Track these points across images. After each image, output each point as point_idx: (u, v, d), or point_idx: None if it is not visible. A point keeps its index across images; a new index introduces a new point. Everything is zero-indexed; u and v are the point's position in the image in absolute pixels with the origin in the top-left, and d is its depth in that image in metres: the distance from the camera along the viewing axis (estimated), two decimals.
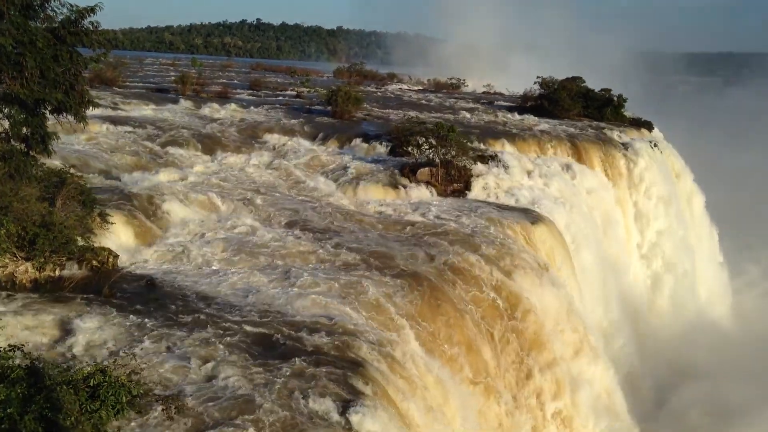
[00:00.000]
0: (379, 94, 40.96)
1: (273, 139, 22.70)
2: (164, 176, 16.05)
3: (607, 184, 25.52)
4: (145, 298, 9.69)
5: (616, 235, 24.12)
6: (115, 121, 21.60)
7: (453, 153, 19.82)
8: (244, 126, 23.79)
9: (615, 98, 33.77)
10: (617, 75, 52.87)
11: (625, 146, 28.33)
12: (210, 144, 20.71)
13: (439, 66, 64.87)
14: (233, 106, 27.68)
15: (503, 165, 21.14)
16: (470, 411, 10.74)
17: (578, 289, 17.62)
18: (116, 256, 10.67)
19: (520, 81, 40.96)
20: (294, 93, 36.71)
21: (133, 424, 6.74)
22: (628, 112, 34.54)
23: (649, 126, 33.63)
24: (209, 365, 7.99)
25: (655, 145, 29.84)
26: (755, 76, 74.09)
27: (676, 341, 25.64)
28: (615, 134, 29.73)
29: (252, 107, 28.11)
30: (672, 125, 40.80)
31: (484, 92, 47.13)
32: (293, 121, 25.41)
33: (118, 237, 11.91)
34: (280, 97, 34.26)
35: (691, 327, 27.21)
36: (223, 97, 30.77)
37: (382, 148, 22.41)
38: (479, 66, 60.69)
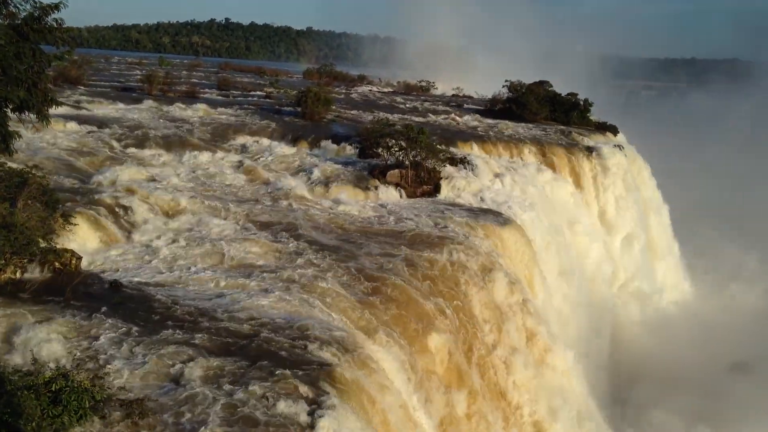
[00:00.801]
0: (349, 95, 40.93)
1: (242, 139, 22.51)
2: (129, 176, 15.80)
3: (573, 186, 25.95)
4: (109, 300, 9.53)
5: (582, 236, 24.51)
6: (79, 120, 21.19)
7: (422, 155, 19.92)
8: (212, 126, 23.54)
9: (581, 102, 34.33)
10: (582, 80, 53.84)
11: (590, 150, 28.83)
12: (177, 144, 20.45)
13: (409, 68, 65.27)
14: (201, 106, 27.38)
15: (472, 167, 21.34)
16: (436, 406, 10.81)
17: (545, 288, 17.86)
18: (79, 258, 10.47)
19: (487, 83, 41.46)
20: (263, 93, 36.46)
21: (96, 429, 6.62)
22: (594, 116, 35.15)
23: (614, 130, 34.27)
24: (174, 368, 7.89)
25: (620, 149, 30.44)
26: (715, 81, 76.15)
27: (639, 333, 26.38)
28: (581, 138, 30.23)
29: (220, 107, 27.84)
30: (634, 129, 41.70)
31: (453, 95, 47.48)
32: (262, 121, 25.24)
33: (81, 238, 11.69)
34: (249, 98, 33.99)
35: (651, 319, 28.00)
36: (190, 97, 30.41)
37: (351, 150, 22.40)
38: (447, 67, 61.19)
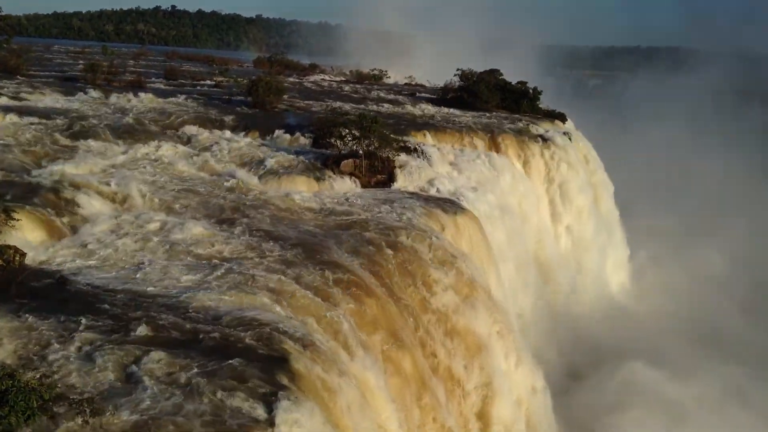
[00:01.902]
0: (301, 84, 40.55)
1: (191, 130, 22.03)
2: (74, 169, 15.30)
3: (524, 172, 26.41)
4: (57, 297, 9.23)
5: (533, 222, 25.03)
6: (19, 111, 20.38)
7: (376, 144, 19.91)
8: (160, 116, 22.98)
9: (531, 91, 34.88)
10: (531, 68, 54.73)
11: (540, 137, 29.36)
12: (123, 135, 19.87)
13: (360, 56, 64.98)
14: (148, 95, 26.68)
15: (426, 156, 21.46)
16: (398, 395, 10.89)
17: (497, 274, 18.15)
18: (23, 254, 10.10)
19: (435, 71, 41.73)
20: (213, 83, 35.77)
21: (45, 429, 6.42)
22: (543, 104, 35.79)
23: (562, 117, 34.97)
24: (127, 366, 7.71)
25: (568, 136, 31.08)
26: (658, 69, 78.48)
27: (588, 319, 27.28)
28: (531, 126, 30.73)
29: (168, 97, 27.20)
30: (582, 117, 42.76)
31: (405, 84, 47.59)
32: (212, 111, 24.78)
33: (24, 234, 11.26)
34: (198, 87, 33.32)
35: (600, 305, 28.96)
36: (136, 87, 29.59)
37: (305, 140, 22.21)
38: (396, 55, 61.32)
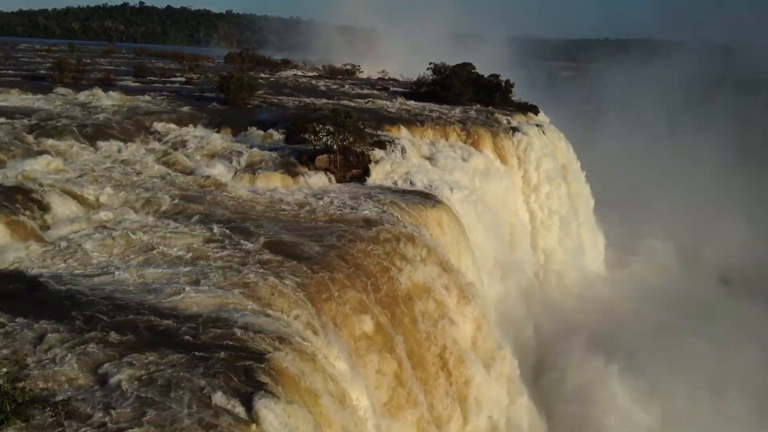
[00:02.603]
0: (273, 80, 40.24)
1: (162, 127, 21.73)
2: (44, 169, 15.02)
3: (499, 165, 26.55)
4: (27, 298, 9.04)
5: (508, 213, 25.22)
6: None
7: (351, 139, 19.84)
8: (130, 114, 22.62)
9: (503, 84, 35.03)
10: (503, 61, 55.06)
11: (514, 130, 29.53)
12: (92, 134, 19.51)
13: (332, 51, 64.71)
14: (117, 93, 26.25)
15: (400, 150, 21.46)
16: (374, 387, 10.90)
17: (474, 266, 18.25)
18: None
19: (408, 65, 41.74)
20: (183, 80, 35.34)
21: None
22: (516, 97, 36.00)
23: (535, 110, 35.22)
24: (102, 367, 7.57)
25: (541, 128, 31.33)
26: (629, 61, 79.41)
27: (564, 307, 27.73)
28: (504, 118, 30.88)
29: (138, 95, 26.79)
30: (555, 109, 43.17)
31: (379, 78, 47.49)
32: (183, 108, 24.46)
33: None
34: (169, 84, 32.89)
35: (576, 292, 29.49)
36: (105, 85, 29.12)
37: (278, 136, 22.05)
38: (369, 49, 61.19)
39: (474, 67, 35.61)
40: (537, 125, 31.58)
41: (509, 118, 31.38)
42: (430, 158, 22.40)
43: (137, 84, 31.87)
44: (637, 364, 23.09)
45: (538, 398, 19.34)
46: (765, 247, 41.97)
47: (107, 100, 25.10)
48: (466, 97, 34.00)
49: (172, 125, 22.05)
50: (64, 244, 11.46)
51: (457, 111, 30.81)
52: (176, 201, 14.48)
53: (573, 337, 24.36)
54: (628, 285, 33.04)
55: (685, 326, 26.64)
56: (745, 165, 52.40)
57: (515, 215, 26.24)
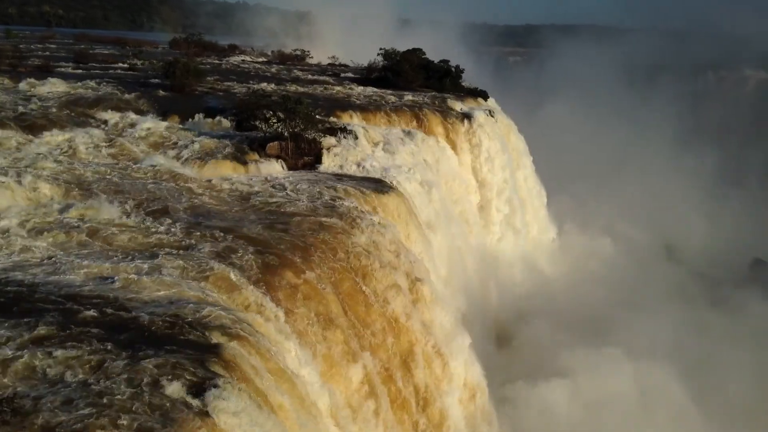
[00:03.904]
0: (220, 66, 39.43)
1: (105, 115, 21.04)
2: None
3: (449, 150, 26.78)
4: None
5: (460, 198, 25.52)
6: None
7: (302, 126, 19.65)
8: (72, 102, 21.83)
9: (453, 69, 35.25)
10: (450, 47, 55.35)
11: (464, 115, 29.80)
12: (32, 123, 18.74)
13: (281, 36, 63.83)
14: (57, 80, 25.24)
15: (352, 137, 21.37)
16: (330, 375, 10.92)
17: (427, 249, 18.41)
18: None
19: (357, 51, 41.52)
20: (126, 66, 34.22)
21: None
22: (465, 82, 36.29)
23: (484, 95, 35.61)
24: (47, 362, 7.36)
25: (490, 113, 31.71)
26: (575, 46, 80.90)
27: (516, 289, 28.45)
28: (455, 104, 31.11)
29: (79, 82, 25.80)
30: (503, 94, 43.80)
31: (329, 64, 47.06)
32: (128, 96, 23.73)
33: None
34: (111, 71, 31.81)
35: (526, 276, 30.19)
36: (44, 72, 27.98)
37: (227, 123, 21.66)
38: (316, 36, 60.62)
39: (424, 53, 35.69)
40: (487, 110, 31.94)
41: (460, 103, 31.63)
42: (382, 144, 22.39)
43: (78, 71, 30.71)
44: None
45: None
46: (704, 223, 43.76)
47: (47, 87, 24.13)
48: (417, 82, 34.09)
49: (117, 113, 21.37)
50: (5, 237, 11.02)
51: (409, 97, 30.86)
52: (122, 191, 14.09)
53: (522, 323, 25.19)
54: (576, 269, 34.00)
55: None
56: (686, 146, 54.31)
57: (466, 199, 26.57)
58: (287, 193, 15.75)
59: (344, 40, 59.35)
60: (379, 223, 15.45)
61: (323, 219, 14.12)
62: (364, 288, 13.48)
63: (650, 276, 34.09)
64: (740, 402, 22.82)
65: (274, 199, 15.16)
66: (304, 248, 12.47)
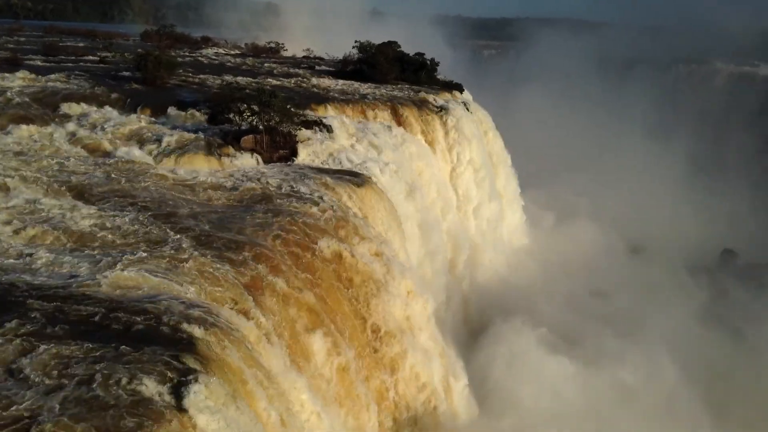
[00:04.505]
0: (194, 58, 38.93)
1: (75, 108, 20.64)
2: None
3: (426, 143, 26.82)
4: None
5: (437, 190, 25.59)
6: None
7: (277, 119, 19.47)
8: (40, 95, 21.38)
9: (428, 62, 35.24)
10: (425, 39, 55.42)
11: (440, 108, 29.82)
12: (1, 117, 18.36)
13: (254, 28, 63.28)
14: (25, 73, 24.68)
15: (328, 129, 21.27)
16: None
17: (403, 243, 18.44)
18: None
19: (331, 43, 41.33)
20: (97, 58, 33.60)
21: None
22: (440, 75, 36.31)
23: (459, 88, 35.63)
24: (16, 360, 7.21)
25: (466, 106, 31.78)
26: (549, 40, 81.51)
27: (489, 279, 28.71)
28: (430, 97, 31.11)
29: (48, 75, 25.27)
30: (478, 86, 43.98)
31: (304, 57, 46.72)
32: (98, 89, 23.31)
33: None
34: (81, 63, 31.20)
35: (501, 268, 30.47)
36: (13, 65, 27.32)
37: (201, 116, 21.39)
38: (289, 28, 60.23)
39: (399, 46, 35.62)
40: (462, 103, 32.00)
41: (435, 96, 31.64)
42: (358, 137, 22.31)
43: (48, 64, 30.07)
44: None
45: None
46: (666, 214, 44.49)
47: (15, 80, 23.58)
48: (392, 75, 34.01)
49: (88, 106, 20.99)
50: None
51: (384, 89, 30.79)
52: (94, 185, 13.86)
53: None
54: (551, 260, 34.38)
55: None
56: (658, 138, 55.09)
57: (443, 191, 26.64)
58: (261, 187, 15.62)
59: (315, 32, 59.04)
60: (355, 215, 15.41)
61: (297, 211, 14.03)
62: (339, 285, 13.44)
63: (623, 267, 34.58)
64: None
65: (248, 193, 15.03)
66: (274, 241, 12.39)
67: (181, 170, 16.52)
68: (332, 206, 15.05)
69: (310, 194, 15.43)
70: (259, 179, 16.26)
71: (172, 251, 10.78)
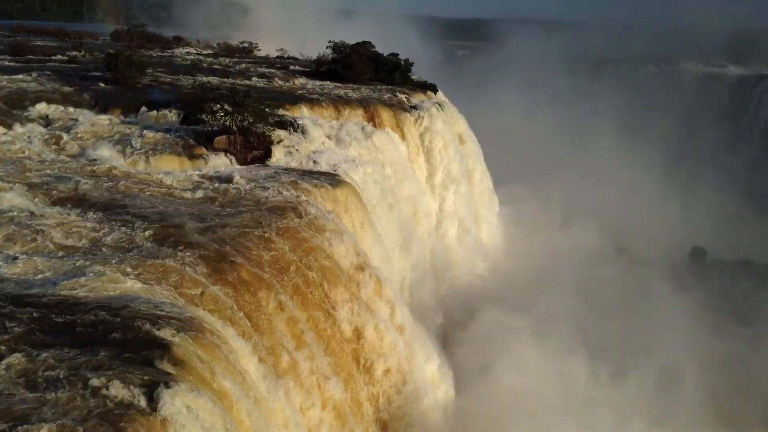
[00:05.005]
0: (165, 58, 38.47)
1: (45, 109, 20.29)
2: None
3: (400, 143, 26.85)
4: None
5: (412, 191, 25.64)
6: None
7: (251, 119, 19.32)
8: (8, 95, 20.98)
9: (402, 62, 35.29)
10: (401, 40, 55.53)
11: (414, 108, 29.89)
12: None
13: (227, 28, 62.84)
14: None
15: (302, 130, 21.17)
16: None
17: (379, 243, 18.44)
18: None
19: (304, 43, 41.22)
20: (66, 58, 33.04)
21: None
22: (415, 75, 36.40)
23: (434, 88, 35.78)
24: None
25: (440, 106, 31.90)
26: (522, 40, 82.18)
27: (465, 280, 28.95)
28: (405, 97, 31.16)
29: (16, 74, 24.79)
30: (452, 86, 44.20)
31: (277, 56, 46.46)
32: (68, 89, 22.92)
33: None
34: (50, 63, 30.65)
35: (475, 265, 30.71)
36: None
37: (173, 116, 21.14)
38: (264, 27, 59.92)
39: (373, 46, 35.61)
40: (436, 103, 32.10)
41: (410, 96, 31.70)
42: (332, 138, 22.26)
43: (16, 63, 29.48)
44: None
45: None
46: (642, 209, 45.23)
47: None
48: (367, 75, 33.98)
49: (57, 107, 20.66)
50: None
51: (359, 90, 30.76)
52: (65, 186, 13.61)
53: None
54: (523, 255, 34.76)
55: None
56: (629, 138, 55.87)
57: (417, 191, 26.70)
58: (235, 188, 15.48)
59: (287, 31, 58.77)
60: (328, 215, 15.36)
61: (271, 212, 13.94)
62: (305, 282, 13.39)
63: (595, 265, 35.01)
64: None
65: (221, 194, 14.89)
66: (247, 243, 12.29)
67: (152, 170, 16.31)
68: (306, 207, 14.98)
69: (283, 195, 15.34)
70: (232, 180, 16.09)
71: (146, 253, 10.64)
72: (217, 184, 15.67)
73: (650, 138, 56.75)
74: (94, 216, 12.12)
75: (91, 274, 9.52)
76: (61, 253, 10.39)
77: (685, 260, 41.93)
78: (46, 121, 19.42)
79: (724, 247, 42.10)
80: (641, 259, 38.70)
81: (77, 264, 9.93)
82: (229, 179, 16.16)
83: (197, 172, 16.86)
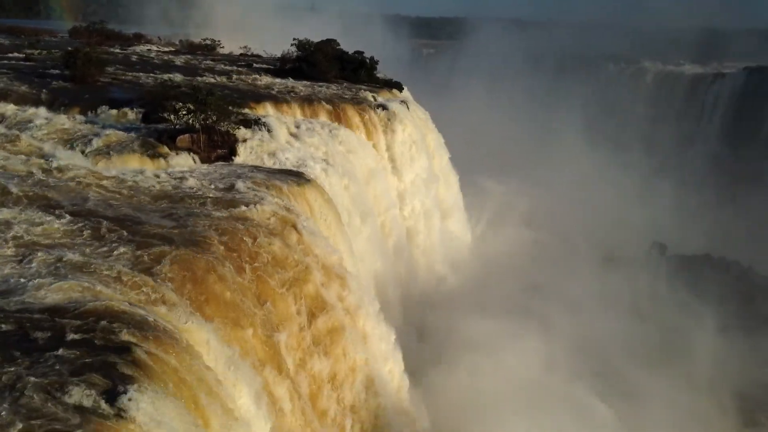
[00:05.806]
0: (125, 56, 37.75)
1: (0, 108, 19.73)
2: None
3: (366, 142, 26.85)
4: None
5: (377, 189, 25.69)
6: None
7: (214, 118, 19.10)
8: None
9: (368, 60, 35.29)
10: (364, 38, 55.51)
11: (380, 106, 29.92)
12: None
13: (190, 25, 61.95)
14: None
15: (267, 128, 21.01)
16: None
17: (346, 241, 18.42)
18: None
19: (265, 40, 40.97)
20: (22, 56, 32.19)
21: None
22: (380, 74, 36.44)
23: (399, 87, 35.88)
24: None
25: (405, 104, 32.00)
26: (486, 38, 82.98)
27: (431, 277, 29.25)
28: (370, 95, 31.18)
29: None
30: (418, 85, 44.39)
31: (241, 54, 45.99)
32: (24, 87, 22.35)
33: None
34: (6, 61, 29.83)
35: (444, 263, 31.05)
36: None
37: (134, 115, 20.78)
38: (227, 25, 59.30)
39: (338, 44, 35.53)
40: (402, 101, 32.19)
41: (375, 95, 31.72)
42: (297, 136, 22.15)
43: None
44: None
45: None
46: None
47: None
48: (332, 73, 33.89)
49: (12, 106, 20.09)
50: None
51: (324, 88, 30.66)
52: (22, 187, 13.23)
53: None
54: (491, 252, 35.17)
55: None
56: (591, 135, 56.89)
57: (384, 190, 26.76)
58: (198, 187, 15.27)
59: (250, 28, 58.22)
60: (290, 212, 15.27)
61: (235, 211, 13.80)
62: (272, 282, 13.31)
63: (559, 260, 35.60)
64: None
65: (184, 193, 14.67)
66: (209, 242, 12.14)
67: (113, 171, 15.97)
68: (272, 205, 14.87)
69: (248, 194, 15.19)
70: (195, 179, 15.87)
71: (107, 254, 10.43)
72: (177, 183, 15.42)
73: (611, 134, 57.91)
74: (51, 215, 11.81)
75: (44, 276, 9.27)
76: (13, 255, 10.10)
77: (645, 255, 42.84)
78: (2, 120, 18.87)
79: (684, 241, 43.13)
80: (603, 255, 39.39)
81: (30, 266, 9.67)
82: (189, 177, 15.91)
83: (159, 171, 16.58)
